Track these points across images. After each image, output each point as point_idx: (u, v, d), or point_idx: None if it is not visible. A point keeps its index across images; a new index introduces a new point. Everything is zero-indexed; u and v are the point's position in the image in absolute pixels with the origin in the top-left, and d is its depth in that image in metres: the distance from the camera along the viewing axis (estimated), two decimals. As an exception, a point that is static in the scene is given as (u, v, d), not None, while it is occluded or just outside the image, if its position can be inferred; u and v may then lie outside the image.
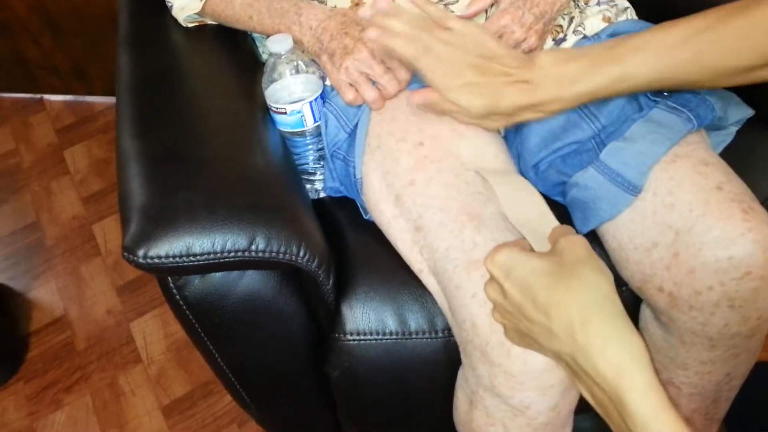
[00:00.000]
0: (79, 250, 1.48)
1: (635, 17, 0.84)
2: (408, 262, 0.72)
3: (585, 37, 0.79)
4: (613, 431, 0.47)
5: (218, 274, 0.68)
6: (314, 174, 0.83)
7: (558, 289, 0.48)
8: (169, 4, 0.86)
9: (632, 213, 0.69)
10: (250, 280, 0.69)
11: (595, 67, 0.59)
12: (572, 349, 0.46)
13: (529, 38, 0.73)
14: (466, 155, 0.70)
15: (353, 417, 0.85)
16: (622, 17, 0.82)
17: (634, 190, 0.68)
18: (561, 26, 0.79)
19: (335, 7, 0.79)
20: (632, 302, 0.76)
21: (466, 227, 0.65)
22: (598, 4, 0.82)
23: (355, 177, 0.76)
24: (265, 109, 0.79)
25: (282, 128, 0.79)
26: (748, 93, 0.76)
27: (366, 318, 0.74)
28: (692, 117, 0.69)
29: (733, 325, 0.66)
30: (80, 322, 1.35)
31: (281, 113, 0.77)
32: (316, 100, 0.77)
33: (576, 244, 0.51)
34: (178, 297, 0.68)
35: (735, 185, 0.66)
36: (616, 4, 0.82)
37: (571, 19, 0.80)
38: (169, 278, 0.68)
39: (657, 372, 0.44)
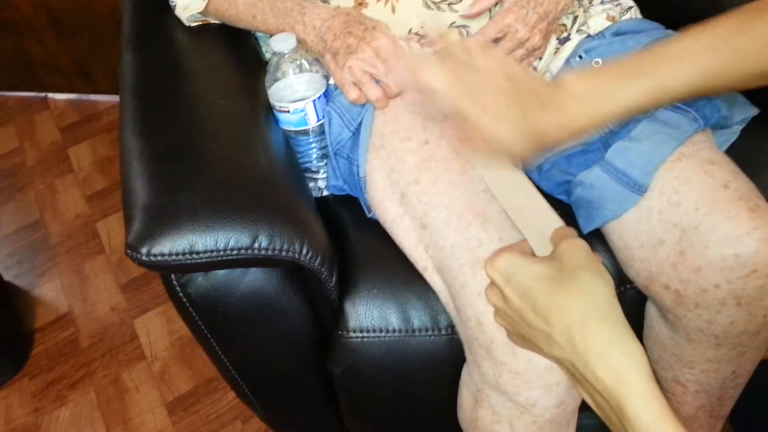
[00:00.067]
0: (83, 248, 1.49)
1: (639, 16, 0.83)
2: (412, 260, 0.73)
3: (589, 36, 0.79)
4: None
5: (221, 272, 0.69)
6: (317, 172, 0.83)
7: (557, 293, 0.48)
8: (173, 4, 0.86)
9: (638, 212, 0.69)
10: (253, 278, 0.70)
11: (627, 84, 0.57)
12: (571, 355, 0.46)
13: (533, 37, 0.73)
14: (471, 154, 0.70)
15: (356, 414, 0.86)
16: (626, 16, 0.82)
17: (639, 189, 0.68)
18: (565, 25, 0.79)
19: (339, 6, 0.79)
20: (638, 300, 0.75)
21: (472, 225, 0.65)
22: (602, 2, 0.81)
23: (358, 175, 0.76)
24: (269, 108, 0.79)
25: (285, 127, 0.80)
26: (752, 92, 0.76)
27: (369, 315, 0.74)
28: (698, 117, 0.69)
29: (739, 323, 0.66)
30: (84, 319, 1.36)
31: (284, 112, 0.78)
32: (319, 98, 0.77)
33: (576, 248, 0.50)
34: (181, 294, 0.69)
35: (741, 183, 0.66)
36: (620, 3, 0.82)
37: (575, 18, 0.80)
38: (173, 276, 0.68)
39: (657, 379, 0.44)
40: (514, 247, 0.55)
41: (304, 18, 0.77)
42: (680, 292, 0.66)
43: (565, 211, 0.76)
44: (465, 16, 0.76)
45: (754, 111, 0.78)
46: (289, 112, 0.77)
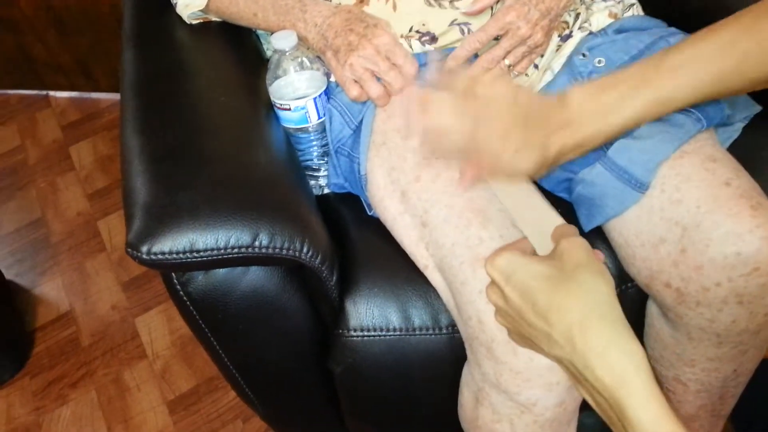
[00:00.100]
0: (84, 246, 1.49)
1: (642, 13, 0.83)
2: (413, 258, 0.72)
3: (591, 33, 0.79)
4: None
5: (222, 270, 0.68)
6: (318, 170, 0.83)
7: (558, 293, 0.48)
8: (174, 2, 0.86)
9: (639, 209, 0.68)
10: (253, 276, 0.69)
11: (633, 96, 0.57)
12: (571, 354, 0.46)
13: (535, 34, 0.73)
14: None
15: (357, 413, 0.86)
16: (629, 13, 0.82)
17: (641, 187, 0.67)
18: (567, 22, 0.79)
19: (340, 3, 0.79)
20: (639, 299, 0.75)
21: (472, 223, 0.65)
22: (605, 0, 0.81)
23: (359, 173, 0.76)
24: (270, 106, 0.79)
25: (286, 125, 0.79)
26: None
27: (370, 314, 0.73)
28: (702, 117, 0.69)
29: (740, 322, 0.66)
30: (86, 318, 1.36)
31: (285, 109, 0.77)
32: (320, 96, 0.77)
33: (577, 247, 0.50)
34: (182, 293, 0.68)
35: (743, 181, 0.65)
36: (622, 0, 0.82)
37: (577, 15, 0.80)
38: (173, 274, 0.68)
39: (657, 377, 0.44)
40: (515, 246, 0.54)
41: (306, 15, 0.77)
42: (681, 291, 0.66)
43: (567, 209, 0.76)
44: (466, 14, 0.76)
45: (756, 108, 0.78)
46: (290, 109, 0.77)
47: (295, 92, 0.77)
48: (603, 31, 0.78)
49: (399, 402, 0.81)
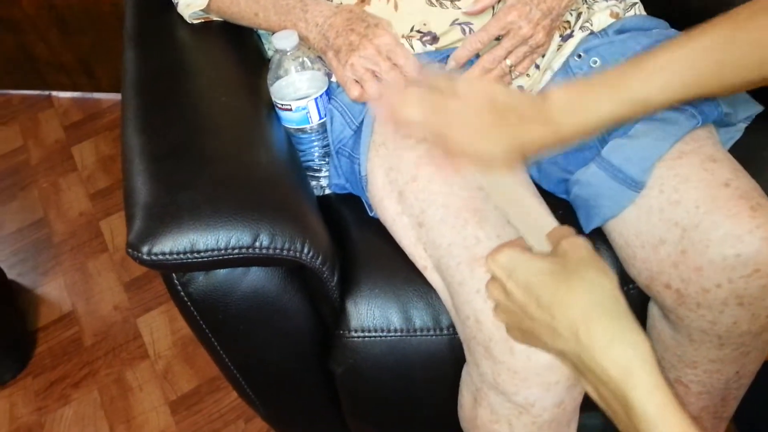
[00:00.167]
0: (86, 247, 1.49)
1: (643, 13, 0.83)
2: (412, 259, 0.72)
3: (592, 33, 0.79)
4: (619, 430, 0.47)
5: (222, 271, 0.68)
6: (319, 171, 0.83)
7: (561, 289, 0.48)
8: (175, 1, 0.86)
9: (638, 210, 0.68)
10: (254, 277, 0.69)
11: (610, 96, 0.58)
12: (576, 348, 0.46)
13: (537, 34, 0.73)
14: None
15: (358, 413, 0.85)
16: (630, 13, 0.81)
17: (636, 186, 0.67)
18: (568, 22, 0.79)
19: (341, 3, 0.79)
20: (640, 300, 0.75)
21: (469, 223, 0.65)
22: (606, -1, 0.81)
23: (360, 174, 0.76)
24: (271, 106, 0.79)
25: (287, 125, 0.79)
26: (757, 89, 0.75)
27: (371, 315, 0.73)
28: (696, 113, 0.69)
29: (742, 323, 0.66)
30: (88, 318, 1.36)
31: (286, 110, 0.77)
32: (321, 96, 0.77)
33: (579, 246, 0.50)
34: (182, 294, 0.68)
35: (743, 182, 0.65)
36: (624, 0, 0.82)
37: (579, 15, 0.79)
38: (174, 275, 0.68)
39: (663, 370, 0.44)
40: (515, 243, 0.55)
41: (307, 15, 0.77)
42: (681, 292, 0.66)
43: (567, 210, 0.76)
44: (468, 13, 0.76)
45: (758, 108, 0.78)
46: (291, 110, 0.77)
47: (296, 92, 0.77)
48: (603, 32, 0.78)
49: (400, 403, 0.81)
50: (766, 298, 0.64)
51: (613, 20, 0.79)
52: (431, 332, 0.73)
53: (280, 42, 0.75)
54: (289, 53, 0.76)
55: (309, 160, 0.82)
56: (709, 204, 0.63)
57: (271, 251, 0.65)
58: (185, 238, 0.62)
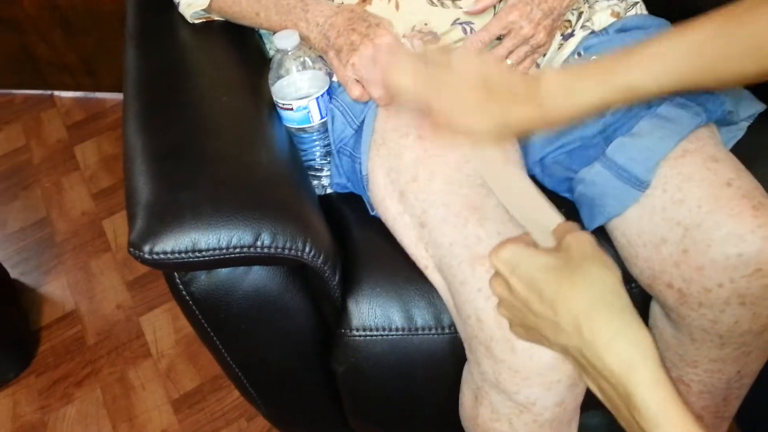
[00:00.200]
0: (89, 246, 1.49)
1: (645, 12, 0.83)
2: (413, 258, 0.72)
3: (593, 32, 0.79)
4: (622, 426, 0.47)
5: (224, 270, 0.69)
6: (321, 170, 0.83)
7: (564, 284, 0.48)
8: (176, 1, 0.86)
9: (641, 209, 0.68)
10: (256, 276, 0.69)
11: (603, 81, 0.58)
12: (579, 343, 0.46)
13: (538, 34, 0.73)
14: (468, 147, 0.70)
15: (359, 412, 0.86)
16: (632, 12, 0.81)
17: (641, 185, 0.67)
18: (569, 21, 0.79)
19: (342, 3, 0.79)
20: (641, 299, 0.75)
21: (469, 222, 0.65)
22: (607, -2, 0.81)
23: (361, 173, 0.76)
24: (272, 106, 0.79)
25: (288, 124, 0.79)
26: (759, 87, 0.75)
27: (372, 314, 0.73)
28: (701, 111, 0.69)
29: (743, 323, 0.66)
30: (91, 317, 1.36)
31: (288, 109, 0.77)
32: (322, 96, 0.77)
33: (582, 241, 0.50)
34: (184, 293, 0.69)
35: (745, 181, 0.65)
36: (625, -1, 0.82)
37: (580, 14, 0.79)
38: (176, 274, 0.68)
39: (665, 367, 0.44)
40: (519, 239, 0.55)
41: (308, 15, 0.77)
42: (683, 291, 0.66)
43: (570, 209, 0.76)
44: (469, 13, 0.76)
45: (760, 107, 0.77)
46: (292, 109, 0.77)
47: (297, 92, 0.77)
48: (605, 31, 0.78)
49: (401, 401, 0.81)
50: (767, 297, 0.63)
51: (614, 19, 0.79)
52: (432, 331, 0.73)
53: (281, 42, 0.75)
54: (290, 53, 0.76)
55: (310, 160, 0.82)
56: (712, 203, 0.63)
57: (272, 250, 0.65)
58: (187, 238, 0.63)
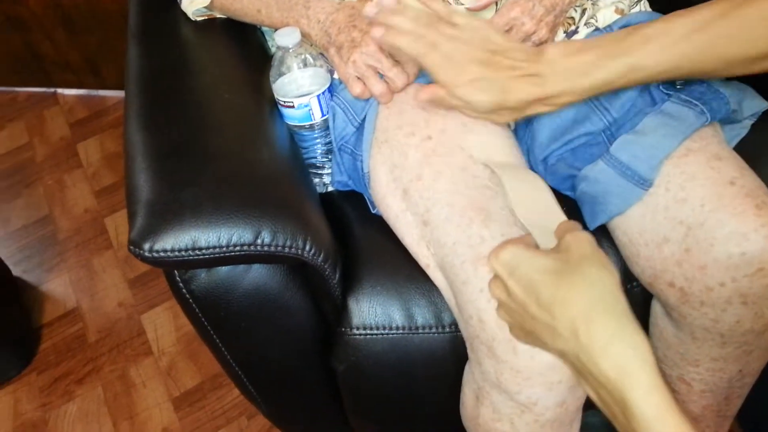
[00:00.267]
0: (91, 243, 1.49)
1: (649, 9, 0.82)
2: (415, 257, 0.72)
3: (597, 29, 0.78)
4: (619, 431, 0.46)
5: (224, 268, 0.68)
6: (322, 168, 0.83)
7: (562, 286, 0.47)
8: (178, -2, 0.86)
9: (643, 208, 0.68)
10: (256, 274, 0.69)
11: (605, 59, 0.58)
12: (575, 347, 0.46)
13: (540, 30, 0.73)
14: (475, 149, 0.70)
15: (360, 411, 0.85)
16: (636, 9, 0.81)
17: (644, 184, 0.67)
18: (573, 18, 0.78)
19: (343, 0, 0.79)
20: (642, 298, 0.75)
21: (474, 222, 0.65)
22: (611, -5, 0.81)
23: (362, 171, 0.76)
24: (273, 103, 0.79)
25: (290, 122, 0.79)
26: (763, 85, 0.75)
27: (373, 312, 0.73)
28: (705, 110, 0.68)
29: (745, 322, 0.65)
30: (92, 315, 1.36)
31: (289, 107, 0.77)
32: (323, 93, 0.77)
33: (581, 241, 0.50)
34: (184, 291, 0.68)
35: (748, 180, 0.65)
36: (629, -4, 0.81)
37: (584, 11, 0.79)
38: (176, 272, 0.68)
39: (662, 372, 0.44)
40: (519, 240, 0.54)
41: (309, 12, 0.77)
42: (685, 290, 0.65)
43: (571, 207, 0.75)
44: (471, 9, 0.76)
45: (764, 105, 0.77)
46: (293, 107, 0.77)
47: (298, 89, 0.77)
48: (608, 27, 0.78)
49: (402, 400, 0.81)
50: (769, 296, 0.63)
51: (618, 16, 0.78)
52: (433, 330, 0.73)
53: (282, 39, 0.75)
54: (291, 50, 0.76)
55: (311, 157, 0.82)
56: (715, 202, 0.63)
57: (272, 248, 0.65)
58: (187, 236, 0.62)
